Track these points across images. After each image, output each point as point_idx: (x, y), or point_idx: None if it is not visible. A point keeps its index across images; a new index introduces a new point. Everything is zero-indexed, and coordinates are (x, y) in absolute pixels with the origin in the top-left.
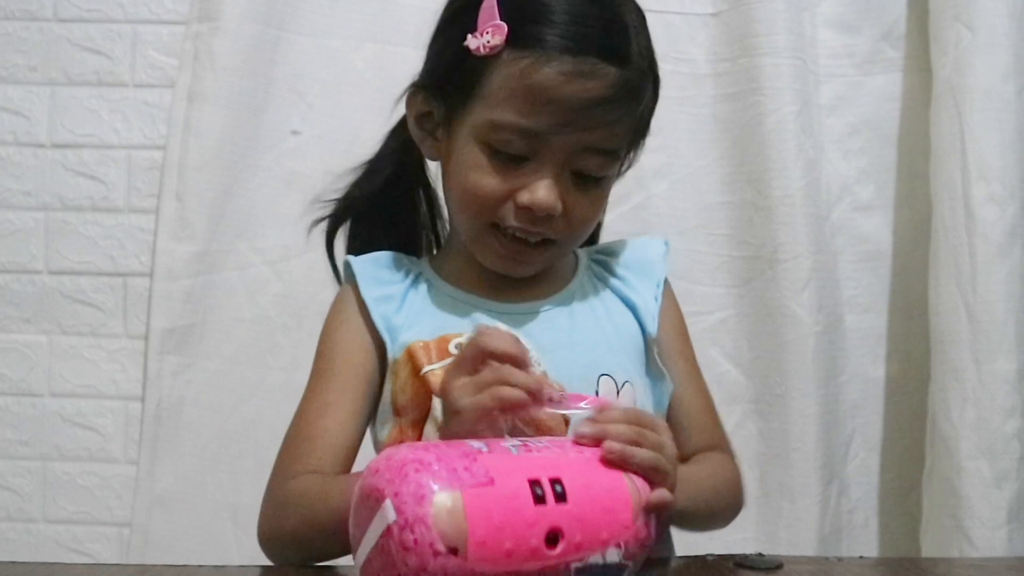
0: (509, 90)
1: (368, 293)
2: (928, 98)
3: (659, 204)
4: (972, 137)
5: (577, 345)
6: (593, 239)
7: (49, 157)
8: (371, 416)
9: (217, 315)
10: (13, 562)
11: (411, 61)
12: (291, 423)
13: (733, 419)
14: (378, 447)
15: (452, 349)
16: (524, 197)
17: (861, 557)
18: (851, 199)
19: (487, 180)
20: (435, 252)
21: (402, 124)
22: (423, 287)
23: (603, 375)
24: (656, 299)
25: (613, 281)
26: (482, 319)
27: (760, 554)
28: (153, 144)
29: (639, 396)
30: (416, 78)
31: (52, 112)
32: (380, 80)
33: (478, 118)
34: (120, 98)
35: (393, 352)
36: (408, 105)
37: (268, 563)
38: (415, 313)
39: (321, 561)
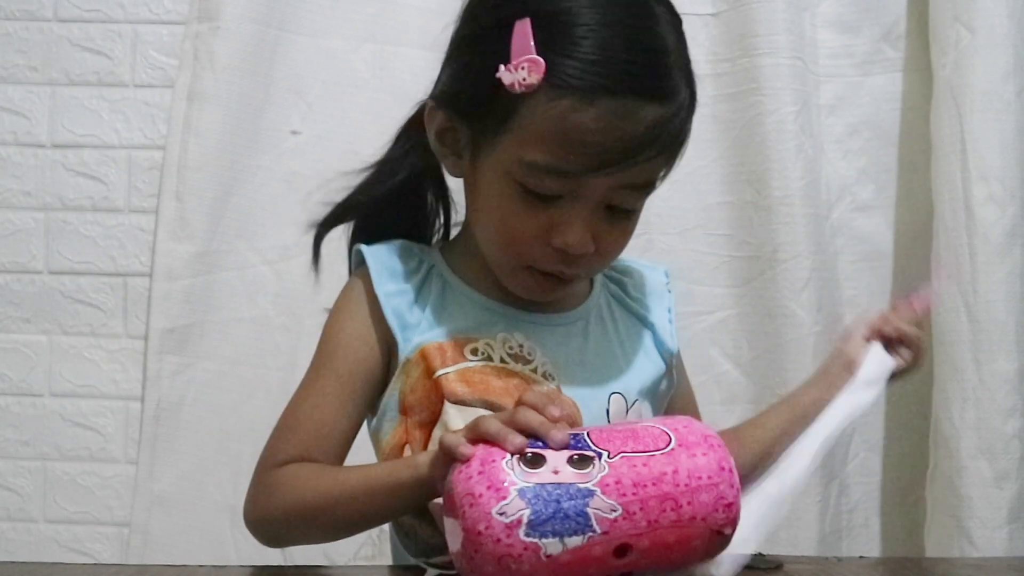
0: (544, 131)
1: (381, 287)
2: (928, 98)
3: (659, 204)
4: (972, 137)
5: (590, 363)
6: None
7: (49, 157)
8: (368, 412)
9: (217, 315)
10: (13, 562)
11: (411, 61)
12: (284, 410)
13: (733, 419)
14: (379, 446)
15: (467, 354)
16: (558, 240)
17: (861, 557)
18: (851, 199)
19: (520, 221)
20: (445, 241)
21: (409, 127)
22: (437, 283)
23: (614, 393)
24: (670, 321)
25: (628, 301)
26: (504, 328)
27: (760, 554)
28: (153, 144)
29: (646, 416)
30: (434, 91)
31: (52, 112)
32: (380, 80)
33: (510, 155)
34: (120, 98)
35: (405, 350)
36: (428, 120)
37: (268, 563)
38: (429, 311)
39: (301, 543)
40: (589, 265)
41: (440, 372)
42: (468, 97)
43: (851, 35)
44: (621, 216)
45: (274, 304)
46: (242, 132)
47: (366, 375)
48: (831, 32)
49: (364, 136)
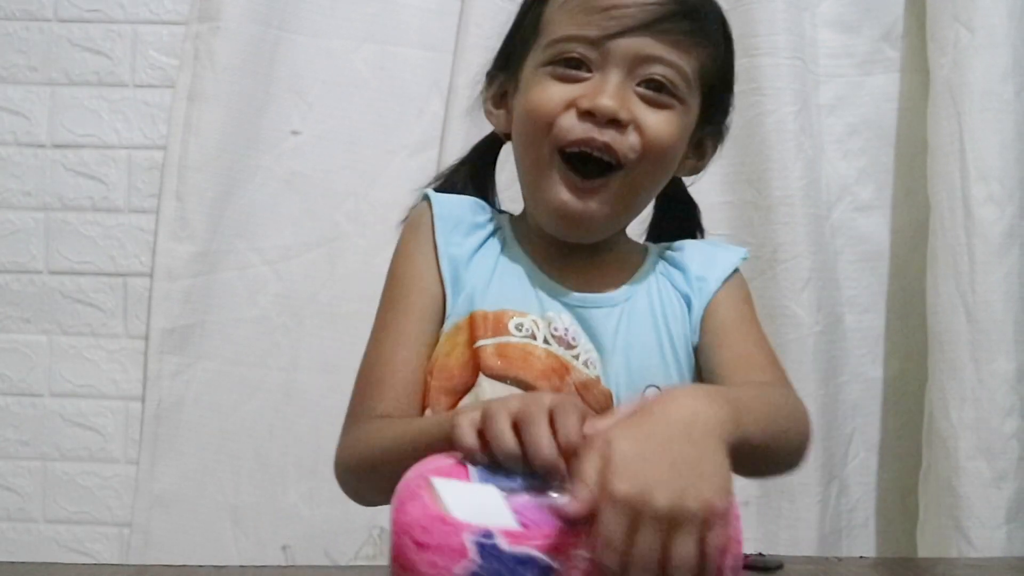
0: (566, 10)
1: (442, 236)
2: (927, 98)
3: None
4: (971, 137)
5: (632, 350)
6: (659, 235)
7: (49, 157)
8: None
9: (217, 315)
10: (13, 562)
11: (411, 61)
12: (366, 354)
13: None
14: None
15: (512, 328)
16: (584, 102)
17: (861, 557)
18: (851, 199)
19: (549, 91)
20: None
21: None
22: (496, 245)
23: (650, 386)
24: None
25: (681, 285)
26: (552, 308)
27: (760, 554)
28: (153, 144)
29: None
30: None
31: (52, 112)
32: (380, 80)
33: (540, 48)
34: (120, 98)
35: (453, 308)
36: (484, 97)
37: (267, 563)
38: (482, 274)
39: (380, 502)
40: (626, 145)
41: (480, 342)
42: (508, 38)
43: (851, 35)
44: (657, 106)
45: (274, 304)
46: (242, 132)
47: (439, 308)
48: (831, 32)
49: (364, 136)
